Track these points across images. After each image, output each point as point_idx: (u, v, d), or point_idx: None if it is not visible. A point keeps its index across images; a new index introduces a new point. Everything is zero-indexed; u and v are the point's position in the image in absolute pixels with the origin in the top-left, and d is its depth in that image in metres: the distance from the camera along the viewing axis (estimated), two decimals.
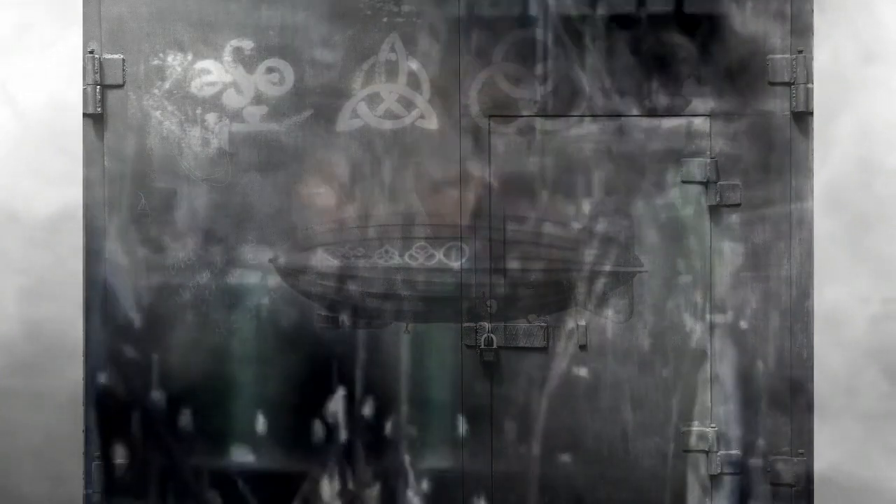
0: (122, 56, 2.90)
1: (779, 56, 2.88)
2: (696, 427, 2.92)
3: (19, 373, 2.83)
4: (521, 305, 2.92)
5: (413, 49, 2.90)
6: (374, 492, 2.91)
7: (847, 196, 2.81)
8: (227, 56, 2.91)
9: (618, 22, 2.89)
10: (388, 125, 2.91)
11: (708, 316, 2.91)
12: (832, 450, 2.82)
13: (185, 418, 2.91)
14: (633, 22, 2.89)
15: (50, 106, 2.83)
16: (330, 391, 2.91)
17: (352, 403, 2.91)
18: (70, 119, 2.84)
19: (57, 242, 2.84)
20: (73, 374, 2.85)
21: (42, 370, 2.83)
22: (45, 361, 2.84)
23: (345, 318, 2.92)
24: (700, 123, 2.90)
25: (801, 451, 2.90)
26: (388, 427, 2.91)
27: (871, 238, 2.80)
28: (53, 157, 2.83)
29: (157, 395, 2.90)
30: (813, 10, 2.84)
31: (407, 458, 2.91)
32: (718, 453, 2.91)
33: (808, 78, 2.86)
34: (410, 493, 2.91)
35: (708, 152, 2.90)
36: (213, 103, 2.91)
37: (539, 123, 2.91)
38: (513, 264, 2.92)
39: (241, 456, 2.92)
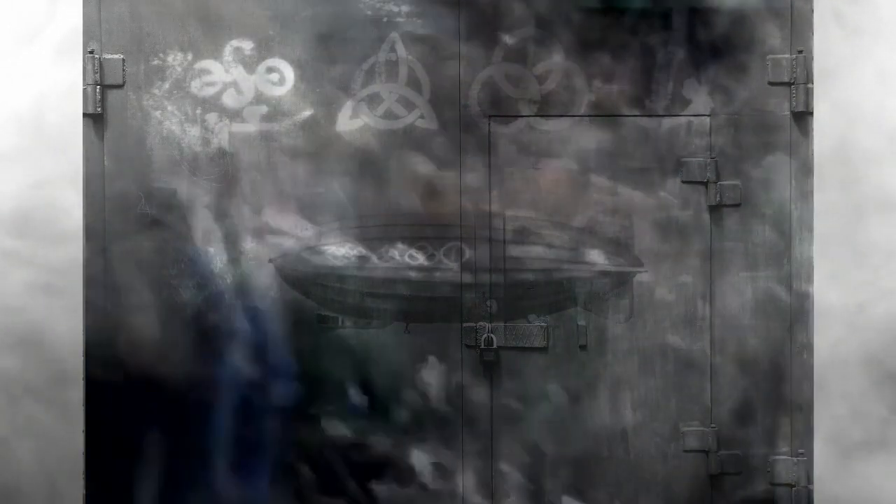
0: (122, 56, 2.90)
1: (779, 56, 2.88)
2: (696, 427, 2.92)
3: (19, 372, 2.83)
4: (521, 305, 2.92)
5: (413, 49, 2.90)
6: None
7: (828, 176, 2.81)
8: (227, 56, 2.91)
9: (619, 21, 2.89)
10: (388, 125, 2.91)
11: (708, 316, 2.91)
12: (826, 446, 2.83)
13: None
14: (634, 20, 2.89)
15: (40, 101, 2.83)
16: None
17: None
18: (55, 113, 2.84)
19: (56, 242, 2.84)
20: (73, 374, 2.85)
21: (43, 370, 2.83)
22: (45, 361, 2.84)
23: (344, 318, 2.91)
24: (700, 123, 2.90)
25: (801, 451, 2.90)
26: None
27: (855, 221, 2.81)
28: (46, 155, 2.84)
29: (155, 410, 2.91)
30: (813, 10, 2.84)
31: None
32: (718, 453, 2.91)
33: (808, 78, 2.86)
34: None
35: (708, 152, 2.90)
36: (213, 103, 2.91)
37: (539, 123, 2.91)
38: (513, 264, 2.92)
39: (334, 429, 2.91)
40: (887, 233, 2.78)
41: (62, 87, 2.83)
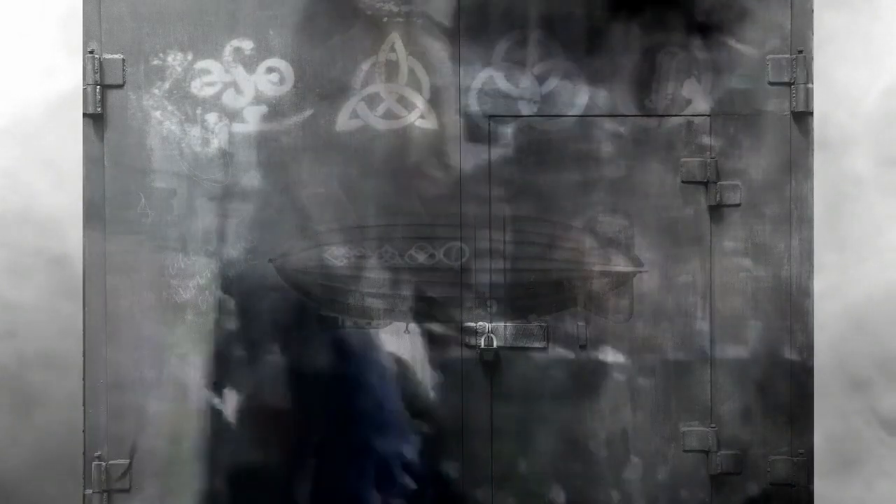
0: (122, 56, 2.90)
1: (779, 56, 2.88)
2: (696, 427, 2.92)
3: (20, 372, 2.83)
4: (521, 305, 2.92)
5: (413, 49, 2.90)
6: None
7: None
8: (227, 56, 2.91)
9: (618, 20, 2.89)
10: (388, 125, 2.91)
11: (708, 316, 2.91)
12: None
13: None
14: (634, 21, 2.89)
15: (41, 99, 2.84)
16: None
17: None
18: (32, 102, 2.84)
19: (56, 239, 2.84)
20: (73, 372, 2.85)
21: (43, 369, 2.83)
22: (46, 361, 2.84)
23: (344, 318, 2.91)
24: (700, 123, 2.90)
25: (801, 451, 2.90)
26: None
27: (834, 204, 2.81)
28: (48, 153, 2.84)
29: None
30: (813, 10, 2.84)
31: None
32: (718, 453, 2.91)
33: (808, 78, 2.86)
34: None
35: (708, 152, 2.90)
36: (213, 103, 2.91)
37: (539, 123, 2.91)
38: (513, 264, 2.92)
39: None
40: (860, 217, 2.78)
41: (41, 77, 2.83)
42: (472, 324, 2.92)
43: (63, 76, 2.85)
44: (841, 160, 2.79)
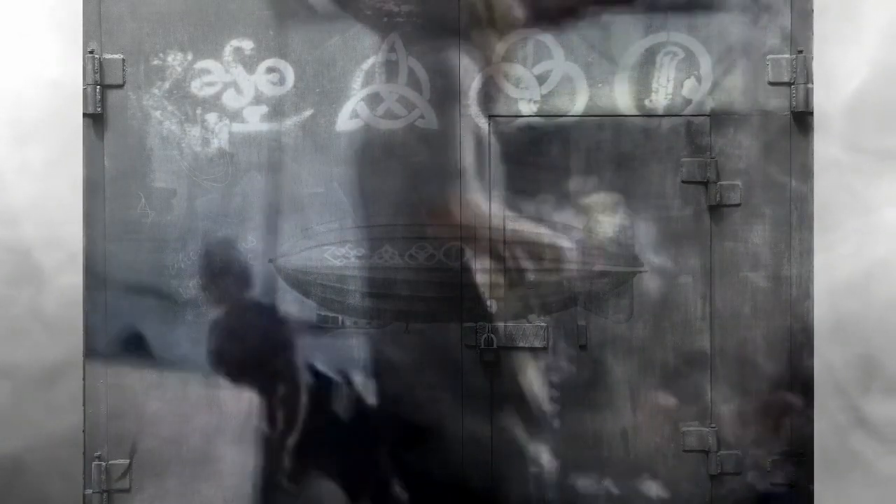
0: (122, 56, 2.90)
1: (779, 56, 2.88)
2: (696, 427, 2.92)
3: (21, 372, 2.84)
4: (521, 305, 2.92)
5: (413, 49, 2.90)
6: None
7: None
8: (227, 56, 2.91)
9: (618, 20, 2.89)
10: (388, 125, 2.91)
11: (708, 316, 2.91)
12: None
13: None
14: (633, 20, 2.89)
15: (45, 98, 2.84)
16: None
17: None
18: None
19: (56, 239, 2.84)
20: (74, 371, 2.85)
21: (44, 367, 2.84)
22: (47, 359, 2.84)
23: (344, 318, 2.92)
24: (700, 123, 2.90)
25: (800, 450, 2.90)
26: None
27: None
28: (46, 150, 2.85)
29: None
30: (813, 10, 2.84)
31: None
32: (718, 453, 2.91)
33: (808, 78, 2.86)
34: None
35: (708, 152, 2.90)
36: (213, 103, 2.91)
37: (539, 123, 2.91)
38: (513, 264, 2.92)
39: None
40: (840, 200, 2.78)
41: (40, 77, 2.83)
42: (472, 324, 2.92)
43: (63, 76, 2.85)
44: (826, 143, 2.78)
